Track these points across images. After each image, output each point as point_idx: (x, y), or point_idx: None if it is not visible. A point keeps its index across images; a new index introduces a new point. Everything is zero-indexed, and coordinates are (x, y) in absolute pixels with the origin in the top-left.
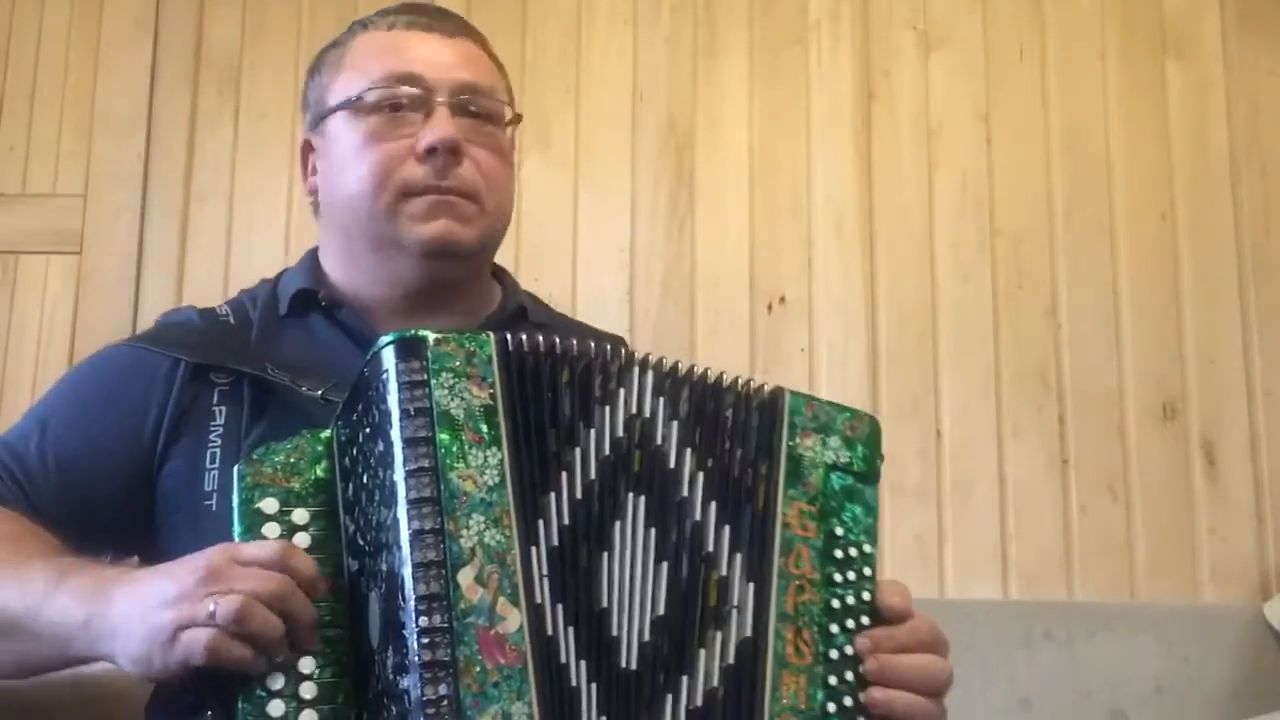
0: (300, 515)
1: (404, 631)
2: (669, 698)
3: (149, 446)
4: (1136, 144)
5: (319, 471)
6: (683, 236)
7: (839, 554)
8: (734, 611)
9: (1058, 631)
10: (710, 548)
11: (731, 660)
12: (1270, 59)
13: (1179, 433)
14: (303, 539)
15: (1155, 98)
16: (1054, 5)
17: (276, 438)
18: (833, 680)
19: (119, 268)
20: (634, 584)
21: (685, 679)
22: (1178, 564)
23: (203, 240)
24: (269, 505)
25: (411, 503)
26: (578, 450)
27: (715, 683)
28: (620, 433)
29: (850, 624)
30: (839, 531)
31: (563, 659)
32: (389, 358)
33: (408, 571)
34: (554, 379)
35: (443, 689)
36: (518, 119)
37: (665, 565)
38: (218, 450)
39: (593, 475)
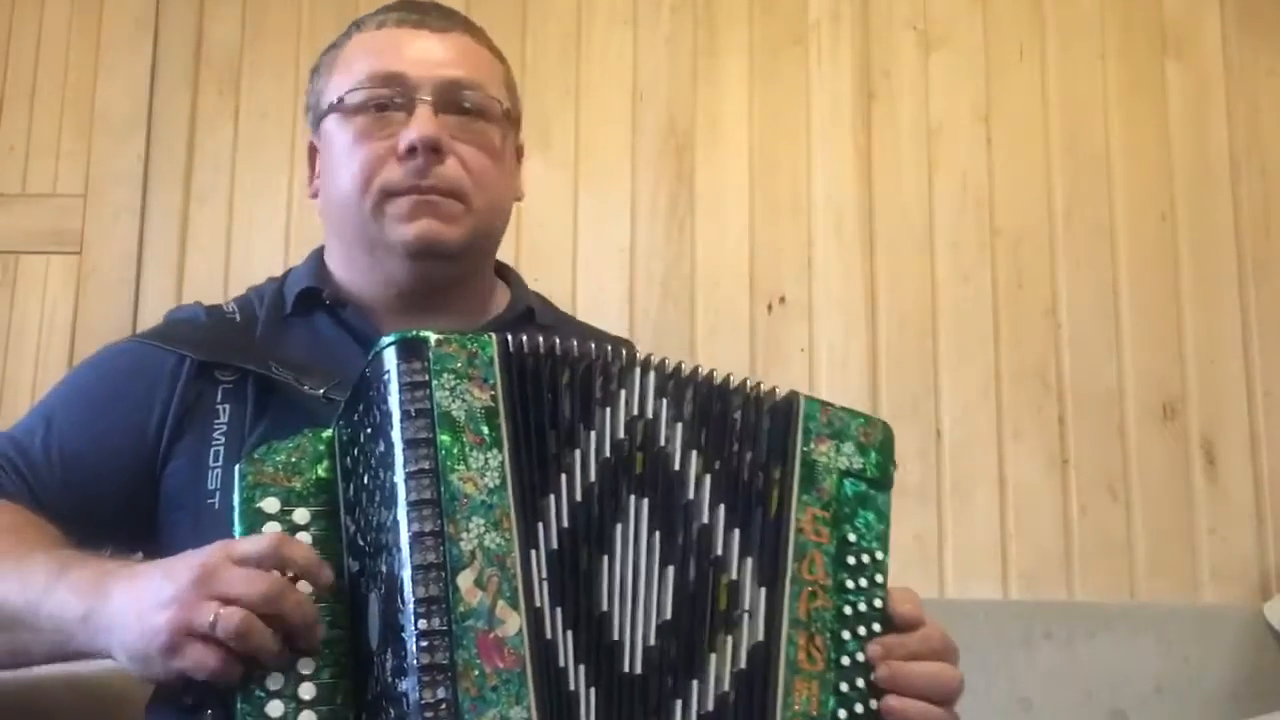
0: (301, 515)
1: (403, 634)
2: (678, 702)
3: (153, 444)
4: (1136, 144)
5: (320, 471)
6: (683, 236)
7: (852, 560)
8: (745, 616)
9: (1058, 631)
10: (719, 551)
11: (743, 665)
12: (1270, 59)
13: (1179, 433)
14: (303, 539)
15: (1155, 98)
16: (1054, 5)
17: (279, 436)
18: (844, 687)
19: (119, 268)
20: (637, 587)
21: (695, 683)
22: (1178, 564)
23: (203, 240)
24: (270, 504)
25: (412, 505)
26: (577, 452)
27: (726, 687)
28: (621, 434)
29: (862, 630)
30: (852, 538)
31: (561, 663)
32: (390, 358)
33: (407, 574)
34: (554, 380)
35: (441, 692)
36: (509, 113)
37: (671, 568)
38: (221, 448)
39: (593, 477)
